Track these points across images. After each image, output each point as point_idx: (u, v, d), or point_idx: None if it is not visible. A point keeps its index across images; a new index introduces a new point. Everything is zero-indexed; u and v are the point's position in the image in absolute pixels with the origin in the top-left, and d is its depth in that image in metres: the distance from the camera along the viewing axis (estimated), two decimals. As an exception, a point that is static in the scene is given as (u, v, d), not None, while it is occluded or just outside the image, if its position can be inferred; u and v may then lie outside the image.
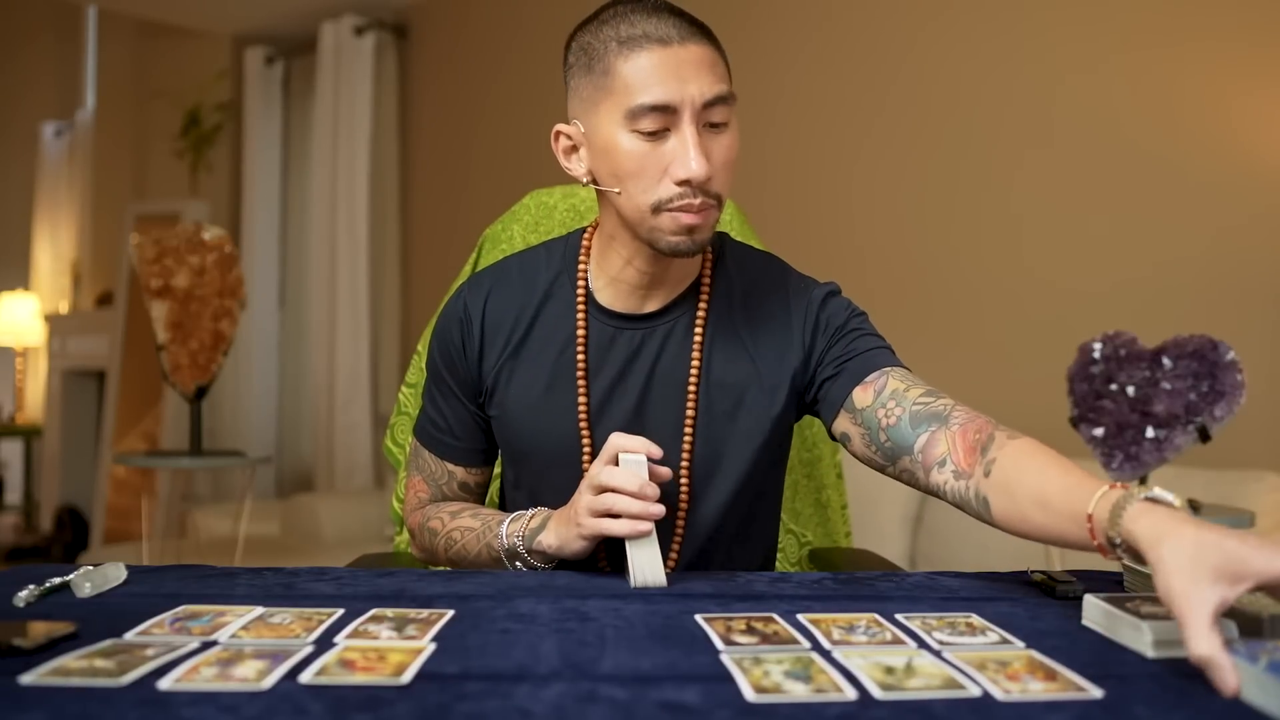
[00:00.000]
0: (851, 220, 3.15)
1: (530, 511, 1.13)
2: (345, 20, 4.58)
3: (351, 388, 4.53)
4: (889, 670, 0.72)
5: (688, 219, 1.06)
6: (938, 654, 0.76)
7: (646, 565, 1.00)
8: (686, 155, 1.03)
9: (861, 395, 1.11)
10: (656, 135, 1.05)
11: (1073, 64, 2.70)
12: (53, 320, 5.87)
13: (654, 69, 1.04)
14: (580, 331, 1.16)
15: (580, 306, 1.17)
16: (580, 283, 1.18)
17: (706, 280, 1.19)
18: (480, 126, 4.29)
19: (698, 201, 1.05)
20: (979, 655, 0.76)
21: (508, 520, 1.13)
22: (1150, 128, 2.57)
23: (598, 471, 1.02)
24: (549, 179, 1.69)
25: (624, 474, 1.00)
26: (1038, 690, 0.68)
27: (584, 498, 1.03)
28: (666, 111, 1.04)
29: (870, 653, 0.76)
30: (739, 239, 1.44)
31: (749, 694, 0.67)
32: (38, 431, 6.02)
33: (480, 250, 1.52)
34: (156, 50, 5.58)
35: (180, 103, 5.18)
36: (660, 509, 1.00)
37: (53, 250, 6.37)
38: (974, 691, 0.68)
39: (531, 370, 1.18)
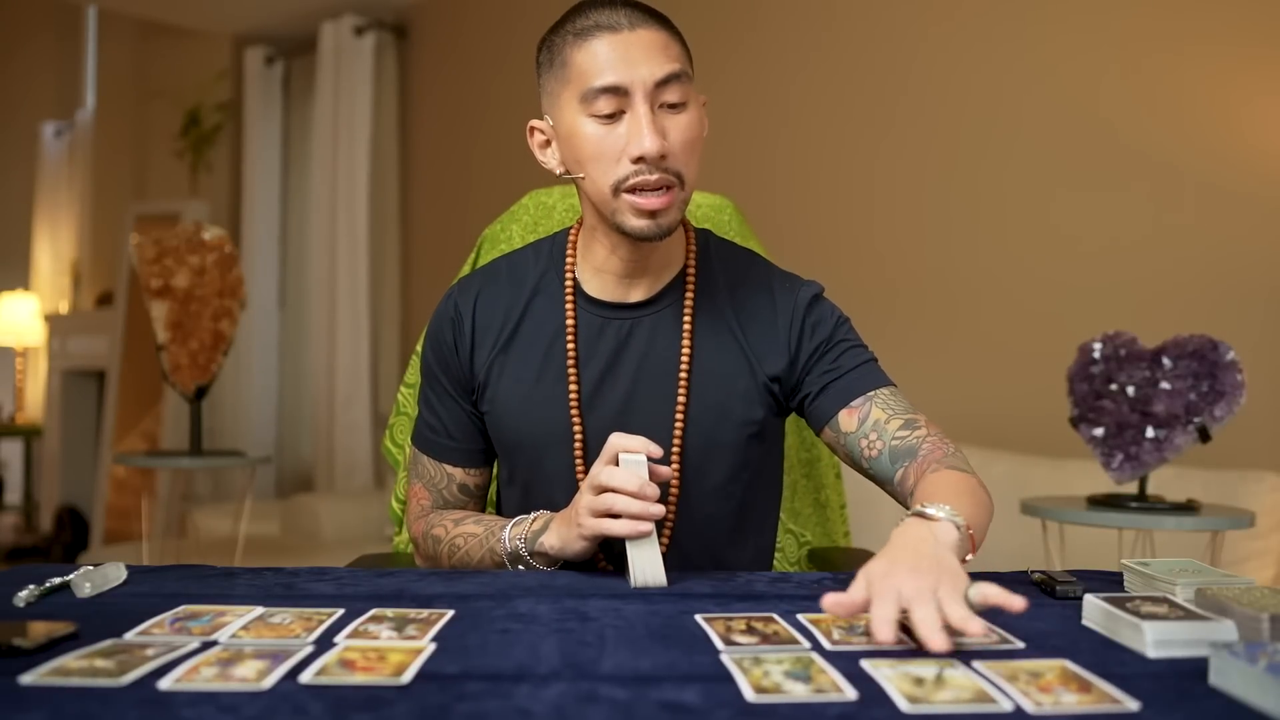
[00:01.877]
0: (856, 221, 3.14)
1: (532, 515, 1.13)
2: (345, 20, 4.57)
3: (351, 388, 4.53)
4: (918, 681, 0.69)
5: (647, 202, 1.08)
6: (969, 664, 0.74)
7: (647, 565, 1.00)
8: (639, 133, 1.06)
9: (847, 420, 1.15)
10: (613, 118, 1.08)
11: (1077, 65, 2.70)
12: (53, 320, 5.87)
13: (605, 53, 1.08)
14: (569, 321, 1.18)
15: (569, 297, 1.19)
16: (568, 275, 1.20)
17: (692, 270, 1.21)
18: (480, 126, 4.29)
19: (654, 178, 1.08)
20: (1010, 666, 0.73)
21: (510, 524, 1.13)
22: (1153, 128, 2.57)
23: (598, 472, 1.02)
24: (548, 179, 1.68)
25: (624, 474, 1.01)
26: (1071, 703, 0.66)
27: (584, 498, 1.03)
28: (619, 93, 1.08)
29: (899, 663, 0.74)
30: (737, 239, 1.44)
31: (749, 694, 0.67)
32: (38, 431, 6.02)
33: (479, 250, 1.52)
34: (156, 50, 5.58)
35: (180, 103, 5.17)
36: (660, 509, 1.00)
37: (53, 250, 6.36)
38: (1005, 706, 0.65)
39: (522, 363, 1.19)
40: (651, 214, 1.09)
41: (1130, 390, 2.01)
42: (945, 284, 2.93)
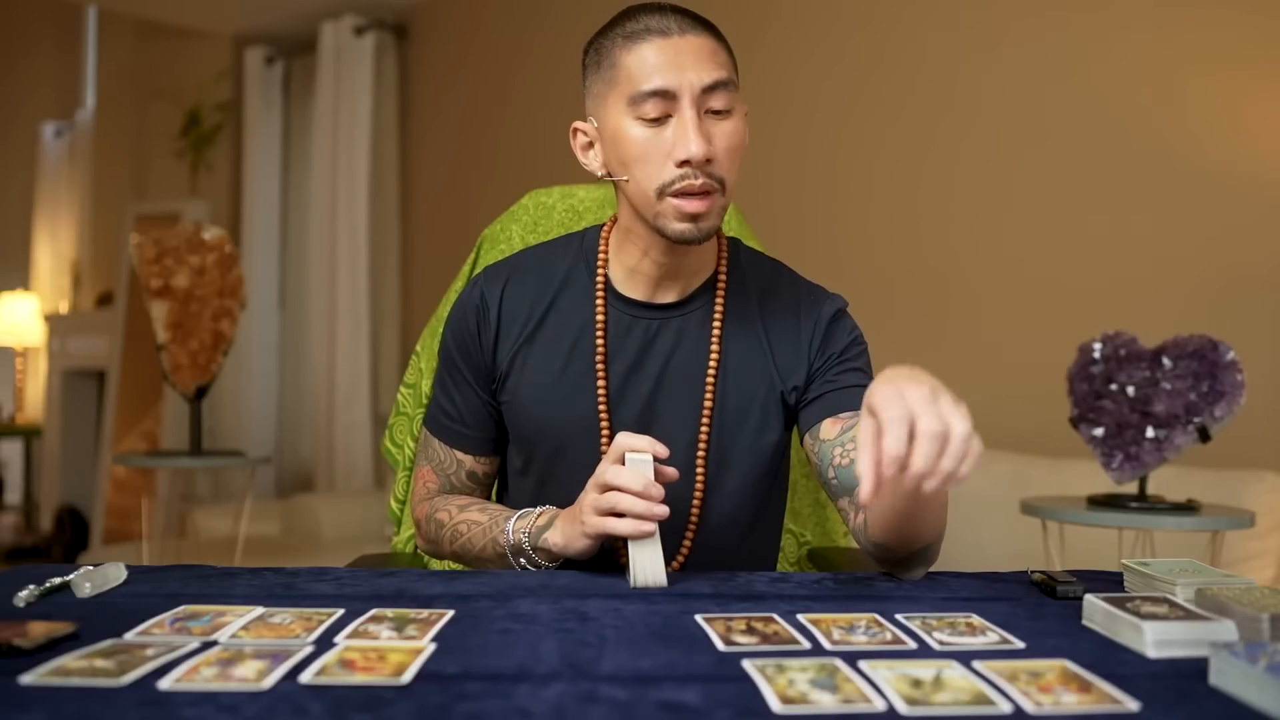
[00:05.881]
0: (851, 220, 3.14)
1: (538, 509, 1.14)
2: (345, 20, 4.57)
3: (351, 388, 4.53)
4: (916, 683, 0.69)
5: (690, 205, 1.09)
6: (968, 664, 0.73)
7: (648, 565, 1.00)
8: (686, 137, 1.07)
9: (829, 427, 1.15)
10: (659, 121, 1.09)
11: (1076, 60, 2.70)
12: (53, 320, 5.87)
13: (654, 57, 1.09)
14: (599, 317, 1.19)
15: (599, 293, 1.20)
16: (599, 271, 1.21)
17: (723, 276, 1.22)
18: (480, 126, 4.29)
19: (699, 183, 1.08)
20: (1010, 666, 0.73)
21: (515, 517, 1.14)
22: (1153, 125, 2.57)
23: (604, 470, 1.03)
24: (548, 179, 1.69)
25: (628, 473, 1.01)
26: (1071, 703, 0.66)
27: (589, 496, 1.04)
28: (666, 97, 1.08)
29: (897, 664, 0.73)
30: (737, 238, 1.45)
31: (775, 705, 0.65)
32: (38, 431, 6.02)
33: (479, 250, 1.52)
34: (156, 50, 5.58)
35: (180, 103, 5.17)
36: (664, 509, 1.00)
37: (53, 250, 6.36)
38: (1004, 708, 0.65)
39: (546, 356, 1.20)
40: (693, 217, 1.10)
41: (1130, 390, 2.01)
42: (944, 283, 2.93)
